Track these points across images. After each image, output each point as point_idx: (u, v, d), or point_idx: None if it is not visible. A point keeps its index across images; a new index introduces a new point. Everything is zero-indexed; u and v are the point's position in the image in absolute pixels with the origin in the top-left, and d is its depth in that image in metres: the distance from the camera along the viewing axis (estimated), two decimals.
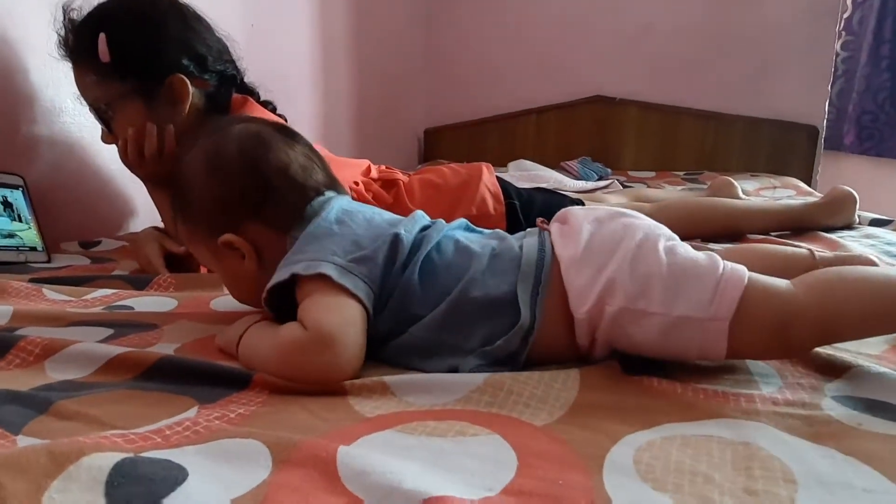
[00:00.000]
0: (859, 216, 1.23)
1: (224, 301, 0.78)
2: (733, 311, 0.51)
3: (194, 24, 0.96)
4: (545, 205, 1.17)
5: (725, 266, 0.53)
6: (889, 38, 2.07)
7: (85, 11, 0.94)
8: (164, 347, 0.61)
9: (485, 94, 2.40)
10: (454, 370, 0.54)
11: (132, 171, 1.00)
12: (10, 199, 0.99)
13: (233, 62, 1.02)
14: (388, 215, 0.65)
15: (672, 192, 1.54)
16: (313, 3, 1.79)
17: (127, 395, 0.48)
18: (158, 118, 0.95)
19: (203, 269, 0.96)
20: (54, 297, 0.78)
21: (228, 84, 1.00)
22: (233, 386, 0.51)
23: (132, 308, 0.75)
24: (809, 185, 1.96)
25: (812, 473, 0.38)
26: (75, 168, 1.15)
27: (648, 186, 1.88)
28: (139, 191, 1.20)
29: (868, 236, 1.12)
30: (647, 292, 0.53)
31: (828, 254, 0.79)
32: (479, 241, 0.62)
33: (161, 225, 1.09)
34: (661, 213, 1.16)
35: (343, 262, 0.56)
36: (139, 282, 0.88)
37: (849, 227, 1.20)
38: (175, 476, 0.35)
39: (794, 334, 0.51)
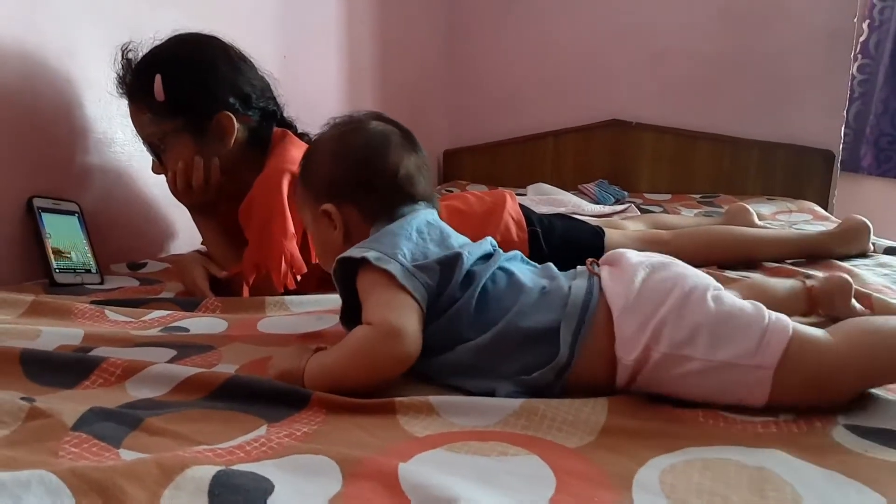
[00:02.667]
0: (874, 244, 1.27)
1: (269, 322, 0.85)
2: (778, 359, 0.54)
3: (240, 64, 1.04)
4: (565, 231, 1.22)
5: (770, 315, 0.57)
6: None
7: (141, 53, 1.02)
8: (226, 368, 0.67)
9: (503, 118, 2.47)
10: (490, 392, 0.60)
11: (179, 200, 1.08)
12: (68, 224, 1.07)
13: (274, 98, 1.09)
14: (462, 238, 0.72)
15: (688, 218, 1.58)
16: (341, 33, 1.88)
17: (203, 414, 0.55)
18: (205, 152, 1.02)
19: (245, 293, 1.03)
20: (116, 318, 0.85)
21: (270, 119, 1.08)
22: (294, 406, 0.57)
23: (187, 329, 0.82)
24: (826, 209, 1.99)
25: (818, 496, 0.43)
26: (124, 194, 1.23)
27: (665, 210, 1.92)
28: (179, 215, 1.29)
29: (882, 265, 1.16)
30: (694, 339, 0.56)
31: (815, 281, 0.84)
32: (531, 276, 0.67)
33: (202, 248, 1.17)
34: (679, 241, 1.21)
35: (408, 265, 0.63)
36: (189, 304, 0.95)
37: (863, 255, 1.24)
38: (265, 487, 0.41)
39: (833, 384, 0.55)
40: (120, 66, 1.02)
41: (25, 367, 0.62)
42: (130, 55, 1.02)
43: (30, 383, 0.60)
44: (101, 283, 1.06)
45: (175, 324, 0.84)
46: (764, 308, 0.58)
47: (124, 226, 1.23)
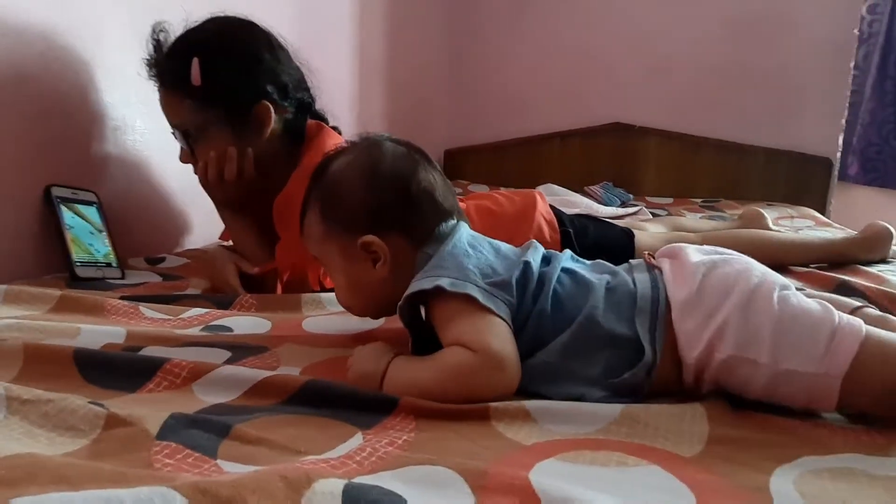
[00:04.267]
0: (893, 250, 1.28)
1: (313, 323, 0.81)
2: (846, 368, 0.52)
3: (279, 53, 0.99)
4: (597, 232, 1.20)
5: (841, 319, 0.54)
6: (893, 73, 2.15)
7: (174, 35, 0.96)
8: (289, 370, 0.63)
9: (508, 118, 2.45)
10: (579, 398, 0.57)
11: (209, 193, 1.02)
12: (87, 215, 1.00)
13: (308, 90, 1.05)
14: (507, 245, 0.69)
15: (706, 223, 1.58)
16: (353, 34, 1.84)
17: (290, 420, 0.50)
18: (240, 142, 0.97)
19: (279, 291, 0.98)
20: (153, 316, 0.80)
21: (304, 111, 1.03)
22: (382, 411, 0.53)
23: (230, 329, 0.77)
24: (823, 215, 2.02)
25: None
26: (142, 185, 1.17)
27: (669, 213, 1.93)
28: (195, 209, 1.23)
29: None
30: (757, 342, 0.54)
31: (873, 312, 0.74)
32: (592, 273, 0.65)
33: (224, 243, 1.11)
34: (707, 244, 1.20)
35: (483, 285, 0.59)
36: (223, 302, 0.89)
37: (883, 261, 1.25)
38: (396, 500, 0.37)
39: None
40: (151, 48, 0.96)
41: (81, 368, 0.57)
42: (162, 36, 0.96)
43: (89, 386, 0.55)
44: (123, 277, 1.00)
45: (215, 322, 0.79)
46: (833, 310, 0.56)
47: (141, 218, 1.17)
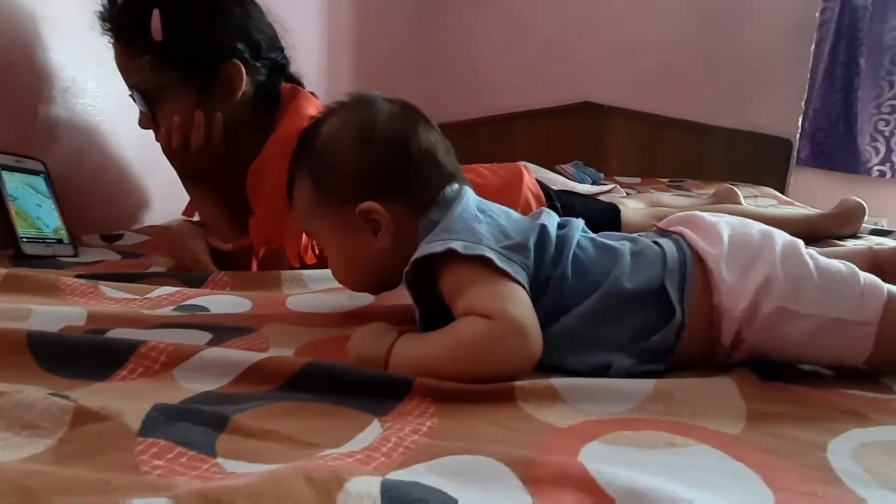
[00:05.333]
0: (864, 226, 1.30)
1: (298, 301, 0.73)
2: (879, 315, 0.52)
3: (251, 7, 0.89)
4: (584, 207, 1.16)
5: (863, 275, 0.54)
6: (843, 61, 2.20)
7: None
8: (281, 352, 0.56)
9: (476, 98, 2.38)
10: (604, 366, 0.53)
11: (172, 163, 0.92)
12: (34, 186, 0.88)
13: (282, 50, 0.95)
14: (516, 213, 0.62)
15: (684, 199, 1.57)
16: (321, 10, 1.72)
17: (293, 408, 0.43)
18: (207, 106, 0.87)
19: (254, 268, 0.89)
20: (116, 295, 0.70)
21: (278, 73, 0.94)
22: (395, 395, 0.46)
23: (206, 308, 0.68)
24: (783, 195, 2.05)
25: None
26: (95, 154, 1.04)
27: (638, 192, 1.91)
28: (156, 180, 1.12)
29: (879, 245, 1.18)
30: (801, 294, 0.53)
31: (885, 247, 0.83)
32: (614, 240, 0.61)
33: (189, 219, 1.01)
34: None
35: (498, 248, 0.53)
36: (193, 280, 0.80)
37: (854, 235, 1.27)
38: (445, 500, 0.31)
39: None
40: None
41: (37, 354, 0.47)
42: None
43: (48, 375, 0.46)
44: (76, 255, 0.89)
45: (189, 302, 0.70)
46: (855, 267, 0.55)
47: (94, 191, 1.05)
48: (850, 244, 1.15)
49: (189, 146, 0.87)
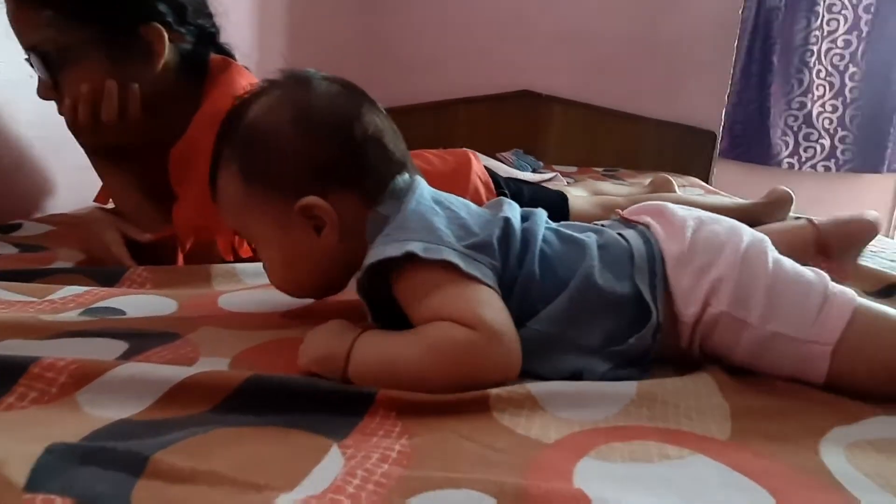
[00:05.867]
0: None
1: (233, 299, 0.64)
2: (837, 336, 0.47)
3: None
4: (532, 195, 1.12)
5: (834, 287, 0.50)
6: (758, 58, 2.29)
7: None
8: (213, 363, 0.47)
9: (414, 83, 2.30)
10: (577, 373, 0.48)
11: (79, 139, 0.79)
12: None
13: (211, 17, 0.83)
14: (474, 205, 0.56)
15: (623, 187, 1.57)
16: None
17: (231, 436, 0.35)
18: (122, 74, 0.75)
19: (180, 262, 0.78)
20: (8, 298, 0.58)
21: (206, 42, 0.82)
22: (353, 411, 0.40)
23: (122, 311, 0.58)
24: (708, 185, 2.12)
25: None
26: None
27: (576, 181, 1.92)
28: (60, 162, 0.97)
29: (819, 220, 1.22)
30: (749, 301, 0.49)
31: (826, 221, 0.84)
32: (578, 231, 0.56)
33: (102, 206, 0.88)
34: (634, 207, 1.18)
35: (461, 249, 0.47)
36: (106, 277, 0.69)
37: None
38: None
39: None
40: None
41: None
42: None
43: None
44: None
45: (100, 304, 0.59)
46: (827, 277, 0.51)
47: None
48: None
49: (99, 120, 0.75)
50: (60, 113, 0.77)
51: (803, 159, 2.40)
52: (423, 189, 0.54)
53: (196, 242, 0.77)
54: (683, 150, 2.27)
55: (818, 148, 2.40)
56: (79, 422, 0.36)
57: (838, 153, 2.40)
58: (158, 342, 0.50)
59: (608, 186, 1.55)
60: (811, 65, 2.29)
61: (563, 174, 2.06)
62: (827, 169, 2.40)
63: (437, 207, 0.51)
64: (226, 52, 0.87)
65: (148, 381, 0.39)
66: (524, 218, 0.55)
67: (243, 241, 0.76)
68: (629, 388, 0.45)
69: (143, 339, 0.51)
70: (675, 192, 1.44)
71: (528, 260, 0.51)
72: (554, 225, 0.56)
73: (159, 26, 0.74)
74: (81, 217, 0.84)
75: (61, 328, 0.50)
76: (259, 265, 0.74)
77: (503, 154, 2.07)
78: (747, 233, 0.54)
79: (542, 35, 2.23)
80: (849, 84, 2.33)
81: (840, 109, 2.36)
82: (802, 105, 2.35)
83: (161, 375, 0.40)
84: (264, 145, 0.51)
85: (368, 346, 0.44)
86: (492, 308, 0.44)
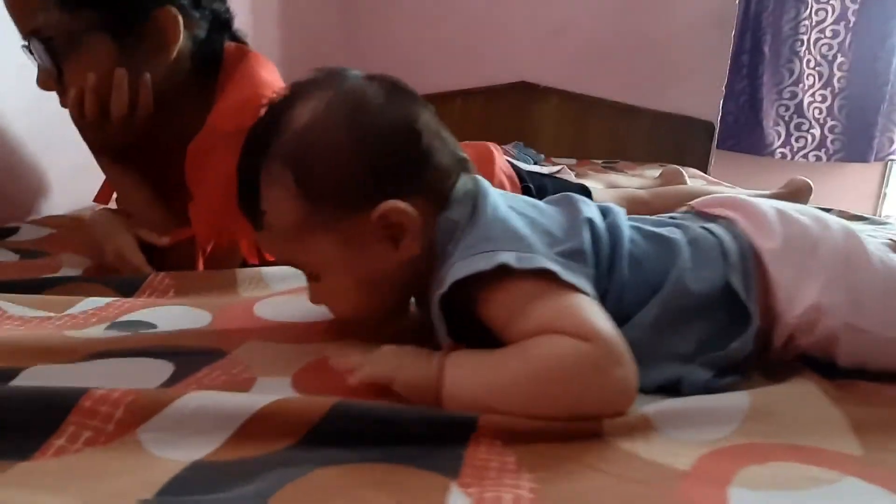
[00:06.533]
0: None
1: (269, 307, 0.58)
2: None
3: None
4: (557, 190, 1.07)
5: None
6: (748, 49, 2.28)
7: None
8: (273, 386, 0.41)
9: (412, 74, 2.22)
10: (674, 382, 0.43)
11: (84, 134, 0.71)
12: None
13: (225, 1, 0.76)
14: (543, 204, 0.51)
15: (637, 180, 1.54)
16: None
17: (334, 478, 0.30)
18: (132, 64, 0.68)
19: (200, 266, 0.72)
20: (21, 314, 0.51)
21: (221, 29, 0.75)
22: (455, 440, 0.35)
23: (153, 325, 0.52)
24: (707, 176, 2.11)
25: None
26: None
27: (577, 174, 1.88)
28: (57, 159, 0.90)
29: None
30: (863, 308, 0.45)
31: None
32: (659, 227, 0.51)
33: (103, 207, 0.81)
34: (659, 200, 1.14)
35: (555, 256, 0.42)
36: (123, 285, 0.62)
37: None
38: None
39: None
40: None
41: None
42: None
43: None
44: None
45: (126, 317, 0.53)
46: None
47: None
48: None
49: (108, 114, 0.67)
50: (63, 106, 0.69)
51: (795, 149, 2.40)
52: (492, 191, 0.48)
53: (218, 245, 0.71)
54: (680, 142, 2.25)
55: (809, 138, 2.40)
56: (148, 467, 0.30)
57: (828, 143, 2.40)
58: (204, 361, 0.44)
59: (620, 179, 1.52)
60: (801, 55, 2.29)
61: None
62: (818, 158, 2.40)
63: (512, 212, 0.46)
64: (239, 40, 0.80)
65: (217, 413, 0.34)
66: (604, 213, 0.50)
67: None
68: (740, 400, 0.40)
69: (185, 357, 0.45)
70: (685, 183, 1.42)
71: (617, 264, 0.46)
72: (634, 221, 0.52)
73: (174, 11, 0.67)
74: (86, 219, 0.76)
75: (92, 347, 0.44)
76: (283, 268, 0.69)
77: (504, 147, 2.02)
78: (836, 225, 0.50)
79: (538, 27, 2.19)
80: (837, 74, 2.33)
81: (829, 99, 2.36)
82: (794, 95, 2.34)
83: (231, 406, 0.34)
84: (325, 155, 0.44)
85: (463, 367, 0.39)
86: (601, 318, 0.39)
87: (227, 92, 0.71)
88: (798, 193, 1.25)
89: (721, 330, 0.46)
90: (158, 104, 0.71)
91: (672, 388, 0.43)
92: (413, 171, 0.45)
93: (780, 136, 2.41)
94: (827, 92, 2.35)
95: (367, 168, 0.44)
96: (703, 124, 2.24)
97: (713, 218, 0.54)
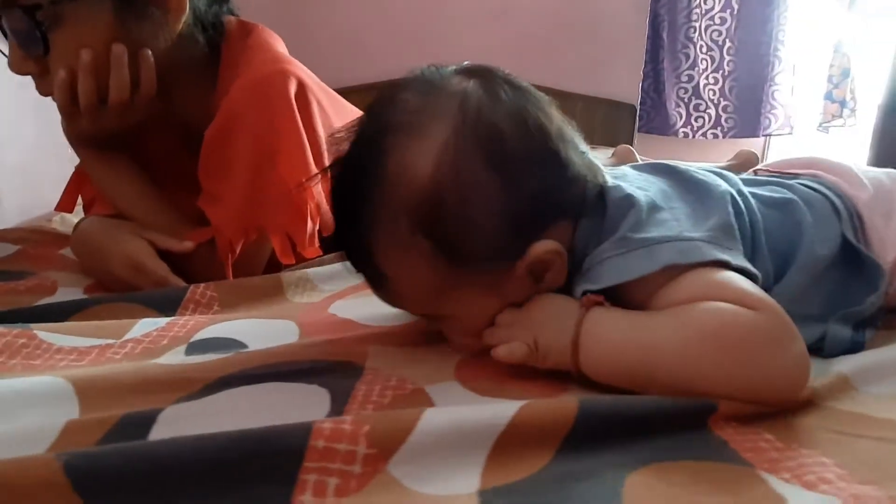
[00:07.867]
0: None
1: (347, 309, 0.51)
2: None
3: None
4: None
5: None
6: (650, 34, 2.44)
7: None
8: (447, 390, 0.36)
9: (346, 63, 2.12)
10: (818, 339, 0.44)
11: (71, 123, 0.58)
12: None
13: None
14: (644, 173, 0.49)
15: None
16: None
17: (644, 491, 0.26)
18: (131, 38, 0.56)
19: (230, 272, 0.62)
20: (74, 344, 0.40)
21: (221, 4, 0.64)
22: (690, 426, 0.32)
23: (243, 344, 0.43)
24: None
25: None
26: None
27: None
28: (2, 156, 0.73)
29: None
30: None
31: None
32: (771, 190, 0.51)
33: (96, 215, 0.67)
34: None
35: (706, 237, 0.39)
36: (162, 301, 0.51)
37: None
38: None
39: None
40: None
41: (79, 486, 0.22)
42: None
43: None
44: None
45: (200, 336, 0.44)
46: None
47: None
48: None
49: (103, 97, 0.55)
50: (42, 92, 0.56)
51: (695, 128, 2.60)
52: (619, 177, 0.45)
53: (246, 245, 0.61)
54: (609, 125, 2.35)
55: (706, 117, 2.61)
56: None
57: (723, 121, 2.62)
58: (350, 380, 0.37)
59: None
60: (695, 41, 2.47)
61: None
62: (715, 136, 2.62)
63: (639, 190, 0.42)
64: (234, 14, 0.69)
65: (462, 434, 0.28)
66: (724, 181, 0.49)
67: (307, 238, 0.61)
68: None
69: (326, 377, 0.37)
70: (637, 160, 1.48)
71: (756, 237, 0.45)
72: (746, 188, 0.51)
73: None
74: (79, 229, 0.62)
75: (209, 375, 0.36)
76: (328, 268, 0.61)
77: None
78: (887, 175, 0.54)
79: (467, 13, 2.17)
80: (727, 58, 2.54)
81: (721, 81, 2.57)
82: (690, 78, 2.52)
83: (473, 423, 0.28)
84: (467, 214, 0.37)
85: (606, 329, 0.36)
86: (761, 291, 0.37)
87: (241, 69, 0.61)
88: (747, 164, 1.35)
89: (841, 285, 0.46)
90: (159, 85, 0.59)
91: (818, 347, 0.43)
92: (555, 198, 0.40)
93: (681, 117, 2.59)
94: (719, 75, 2.56)
95: (515, 215, 0.38)
96: (627, 107, 2.36)
97: (794, 176, 0.55)
